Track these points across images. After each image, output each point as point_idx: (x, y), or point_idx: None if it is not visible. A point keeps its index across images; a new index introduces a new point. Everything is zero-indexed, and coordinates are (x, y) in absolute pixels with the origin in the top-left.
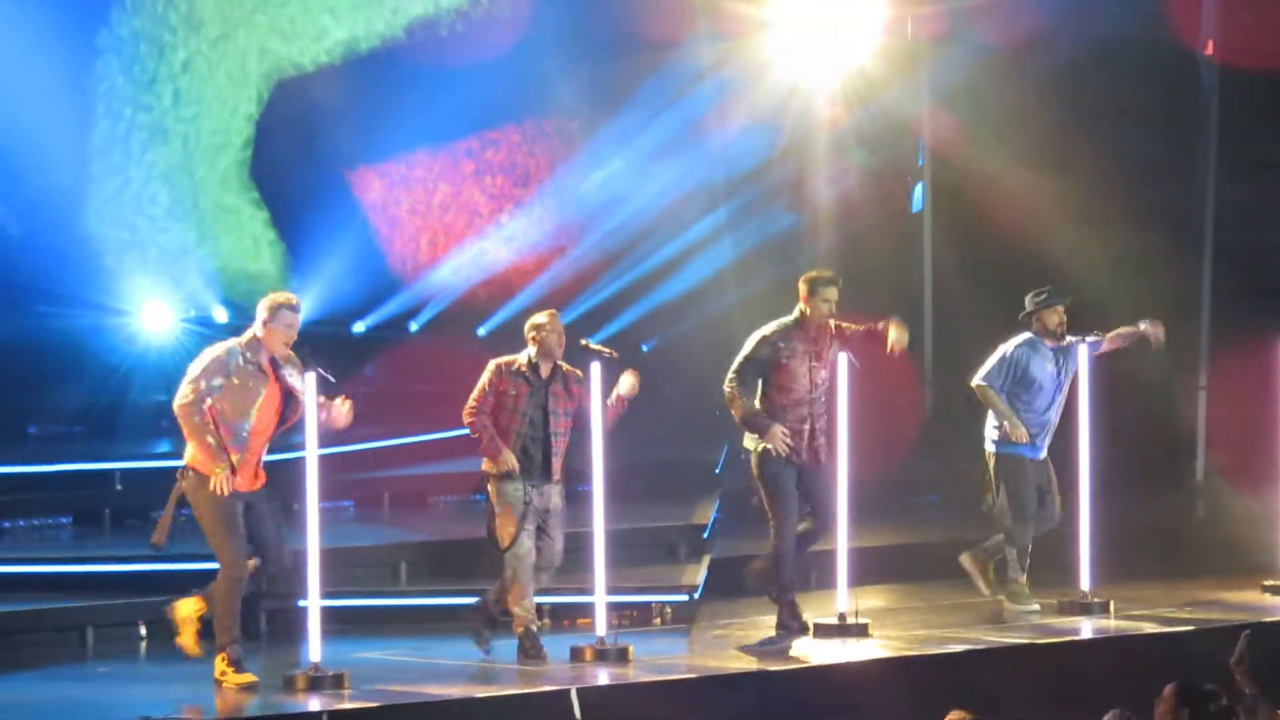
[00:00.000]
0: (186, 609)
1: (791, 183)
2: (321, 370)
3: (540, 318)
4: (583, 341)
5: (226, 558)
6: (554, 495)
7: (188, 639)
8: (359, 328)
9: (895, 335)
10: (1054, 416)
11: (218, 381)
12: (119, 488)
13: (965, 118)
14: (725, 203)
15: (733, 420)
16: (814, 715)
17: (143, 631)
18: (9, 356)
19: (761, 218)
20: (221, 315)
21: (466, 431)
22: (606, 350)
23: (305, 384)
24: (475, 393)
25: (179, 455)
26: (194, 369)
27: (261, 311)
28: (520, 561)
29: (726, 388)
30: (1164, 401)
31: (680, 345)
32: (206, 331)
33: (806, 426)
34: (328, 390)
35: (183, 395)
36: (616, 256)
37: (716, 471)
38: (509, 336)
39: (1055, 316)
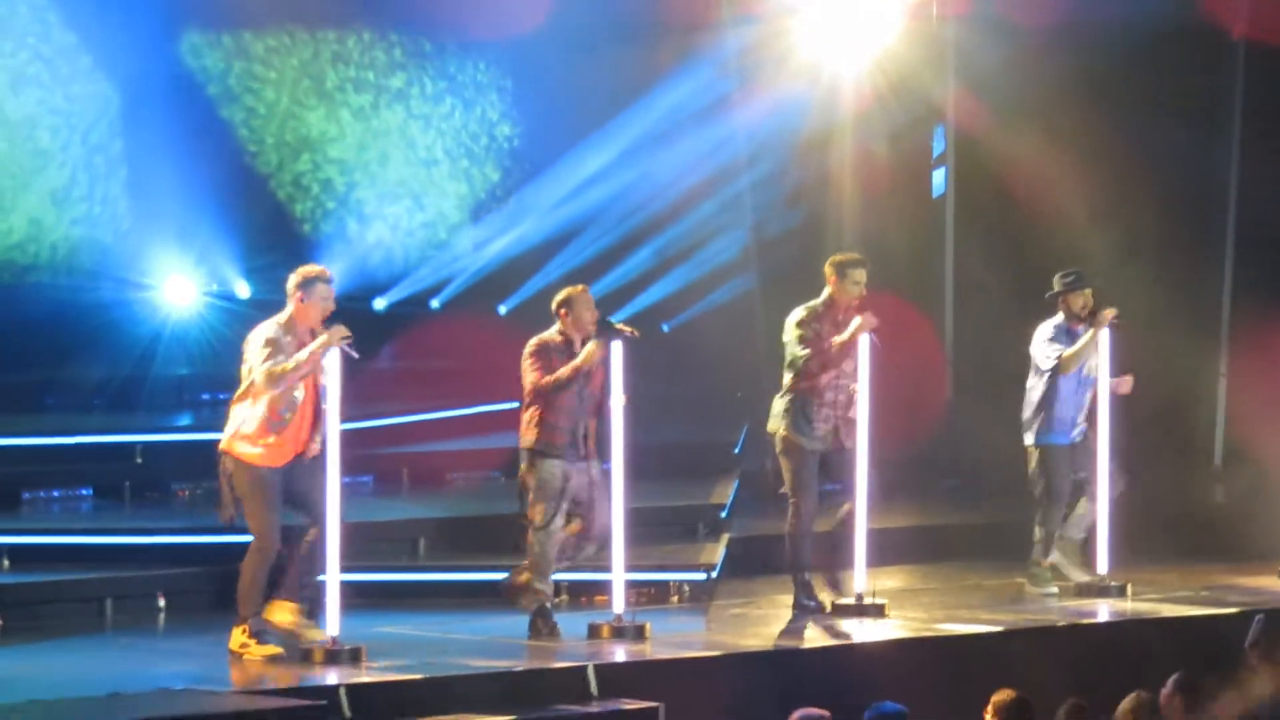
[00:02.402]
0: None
1: (815, 165)
2: (345, 346)
3: (571, 291)
4: (606, 319)
5: (259, 530)
6: (591, 469)
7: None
8: (380, 304)
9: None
10: (1086, 398)
11: (280, 360)
12: (139, 460)
13: (990, 101)
14: (748, 184)
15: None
16: (831, 695)
17: (161, 604)
18: (31, 329)
19: (784, 199)
20: (243, 290)
21: (485, 409)
22: (629, 329)
23: (328, 360)
24: (534, 376)
25: (201, 428)
26: (258, 349)
27: (293, 286)
28: (550, 539)
29: (801, 360)
30: (1184, 387)
31: (701, 326)
32: (229, 305)
33: (833, 411)
34: (352, 368)
35: (263, 377)
36: (638, 237)
37: (735, 451)
38: (529, 314)
39: (1080, 299)
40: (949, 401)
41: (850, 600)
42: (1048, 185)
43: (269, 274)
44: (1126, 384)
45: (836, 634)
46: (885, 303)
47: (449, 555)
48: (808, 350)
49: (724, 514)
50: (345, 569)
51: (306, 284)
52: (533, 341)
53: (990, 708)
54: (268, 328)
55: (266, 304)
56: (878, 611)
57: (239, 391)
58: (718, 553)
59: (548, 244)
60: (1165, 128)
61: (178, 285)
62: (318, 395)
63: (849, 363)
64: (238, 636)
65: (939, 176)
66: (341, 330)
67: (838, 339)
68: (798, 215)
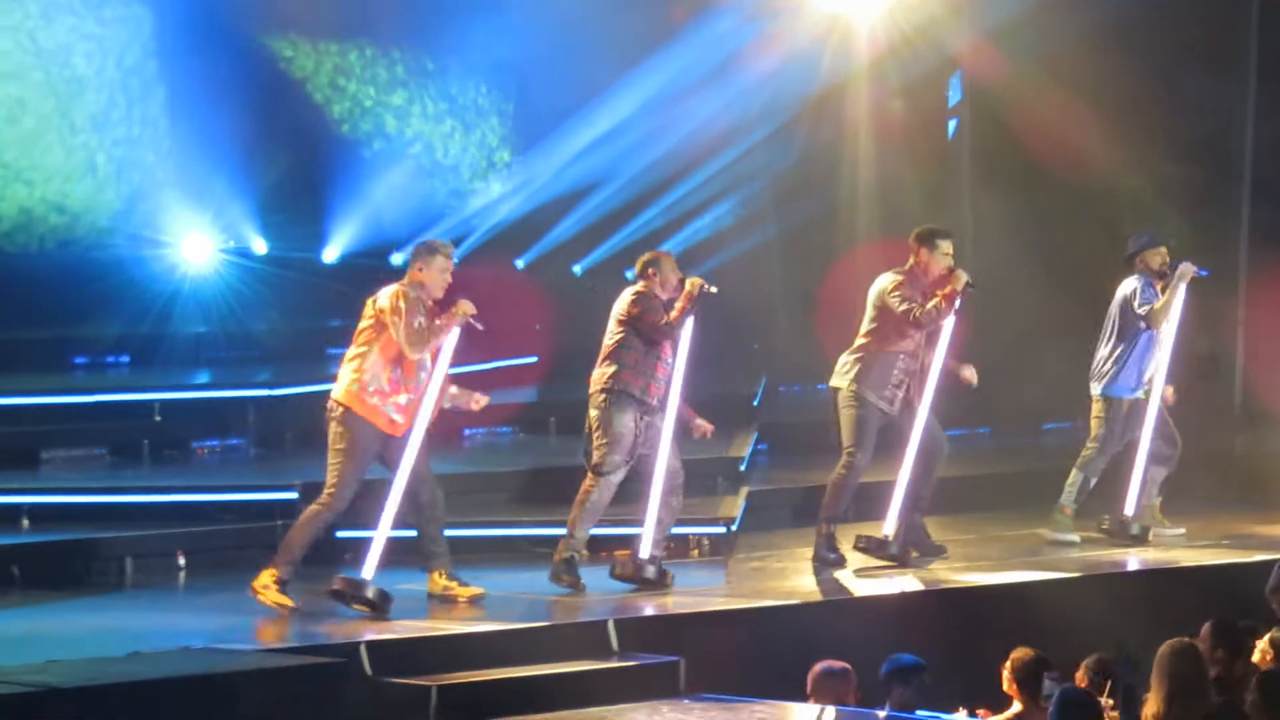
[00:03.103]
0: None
1: (831, 117)
2: (473, 320)
3: (657, 254)
4: (692, 279)
5: (341, 485)
6: (660, 421)
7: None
8: (398, 259)
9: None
10: (1153, 355)
11: (420, 320)
12: (158, 419)
13: (1006, 50)
14: (764, 136)
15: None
16: (850, 647)
17: (181, 562)
18: (49, 287)
19: (800, 152)
20: (260, 246)
21: (502, 364)
22: (711, 287)
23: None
24: (645, 316)
25: (219, 386)
26: (399, 307)
27: (416, 258)
28: (609, 489)
29: (916, 314)
30: (1202, 335)
31: (718, 279)
32: (245, 263)
33: (906, 377)
34: (476, 338)
35: (408, 339)
36: (655, 191)
37: (754, 404)
38: (547, 268)
39: (1159, 257)
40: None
41: (880, 537)
42: (1063, 134)
43: (286, 230)
44: (1170, 394)
45: (856, 587)
46: (899, 250)
47: (466, 512)
48: (909, 306)
49: (743, 467)
50: (363, 526)
51: (425, 254)
52: (636, 287)
53: (1009, 664)
54: (404, 288)
55: (282, 260)
56: (901, 556)
57: (357, 348)
58: (737, 506)
59: (565, 198)
60: (1182, 75)
61: (195, 242)
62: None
63: (922, 332)
64: (264, 577)
65: (953, 126)
66: (470, 305)
67: (938, 295)
68: (814, 167)
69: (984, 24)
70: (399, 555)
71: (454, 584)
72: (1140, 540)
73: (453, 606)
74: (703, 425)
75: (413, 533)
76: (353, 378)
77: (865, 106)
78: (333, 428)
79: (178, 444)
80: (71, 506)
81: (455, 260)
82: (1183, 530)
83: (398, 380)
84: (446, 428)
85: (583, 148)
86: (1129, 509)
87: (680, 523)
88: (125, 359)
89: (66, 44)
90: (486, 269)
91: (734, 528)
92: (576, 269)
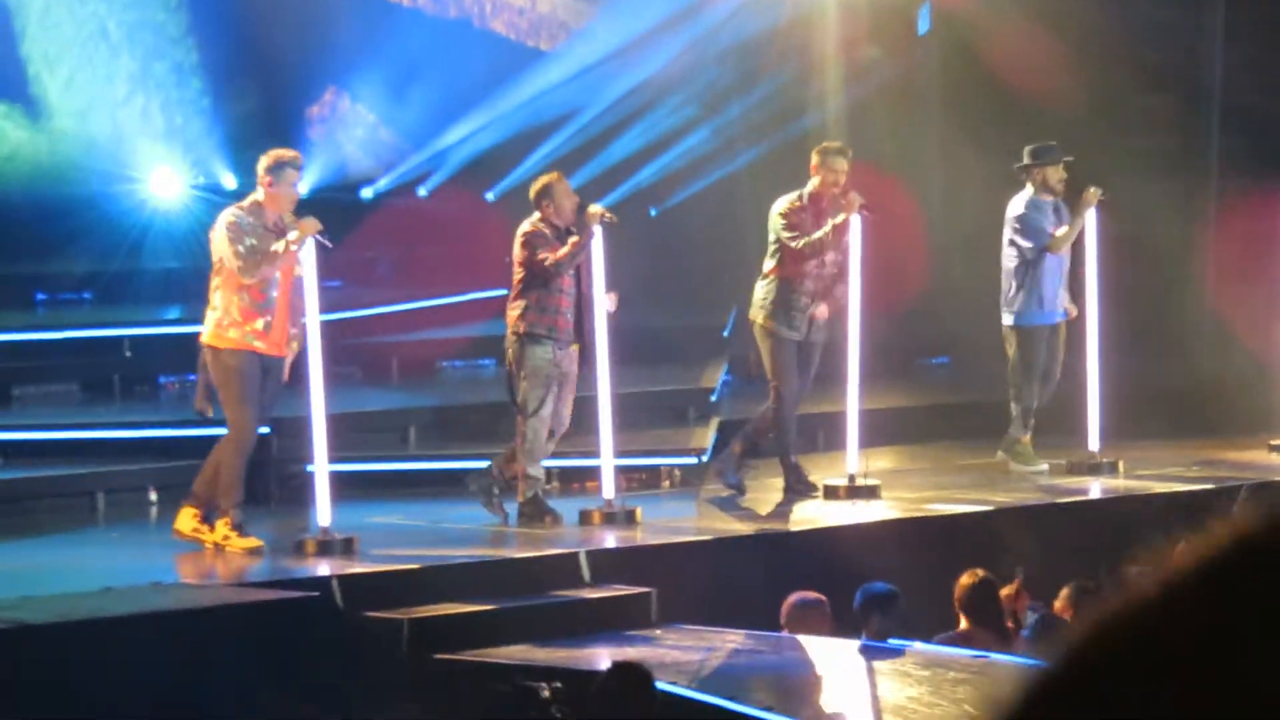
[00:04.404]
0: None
1: (798, 46)
2: (319, 237)
3: (548, 178)
4: (591, 208)
5: (237, 421)
6: (571, 360)
7: None
8: (367, 194)
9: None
10: (1063, 275)
11: (249, 242)
12: (128, 354)
13: None
14: (732, 67)
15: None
16: (823, 577)
17: (153, 497)
18: (16, 222)
19: (767, 82)
20: (230, 181)
21: (474, 296)
22: (610, 215)
23: (303, 249)
24: (542, 255)
25: (189, 321)
26: (223, 237)
27: (263, 171)
28: (542, 425)
29: (796, 246)
30: (1171, 263)
31: (687, 210)
32: (215, 199)
33: (811, 300)
34: (326, 256)
35: (238, 266)
36: (623, 122)
37: (724, 335)
38: (517, 200)
39: (1057, 173)
40: (931, 282)
41: (843, 481)
42: (1034, 63)
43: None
44: (1073, 312)
45: (827, 516)
46: (867, 177)
47: (440, 444)
48: (795, 234)
49: (713, 398)
50: (336, 459)
51: (276, 168)
52: (525, 227)
53: (957, 590)
54: (230, 213)
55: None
56: (871, 493)
57: (214, 282)
58: (708, 437)
59: (534, 131)
60: (1150, 3)
61: (164, 177)
62: (291, 289)
63: (832, 252)
64: (220, 529)
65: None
66: (315, 222)
67: (830, 223)
68: (781, 97)
69: None
70: (364, 488)
71: (204, 528)
72: (1112, 470)
73: (426, 541)
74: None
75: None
76: (210, 317)
77: (833, 36)
78: (212, 370)
79: (148, 379)
80: (43, 443)
81: (425, 194)
82: (1045, 466)
83: (248, 307)
84: (418, 356)
85: (552, 82)
86: (1092, 444)
87: (651, 454)
88: (88, 295)
89: None
90: (456, 202)
91: (705, 458)
92: None
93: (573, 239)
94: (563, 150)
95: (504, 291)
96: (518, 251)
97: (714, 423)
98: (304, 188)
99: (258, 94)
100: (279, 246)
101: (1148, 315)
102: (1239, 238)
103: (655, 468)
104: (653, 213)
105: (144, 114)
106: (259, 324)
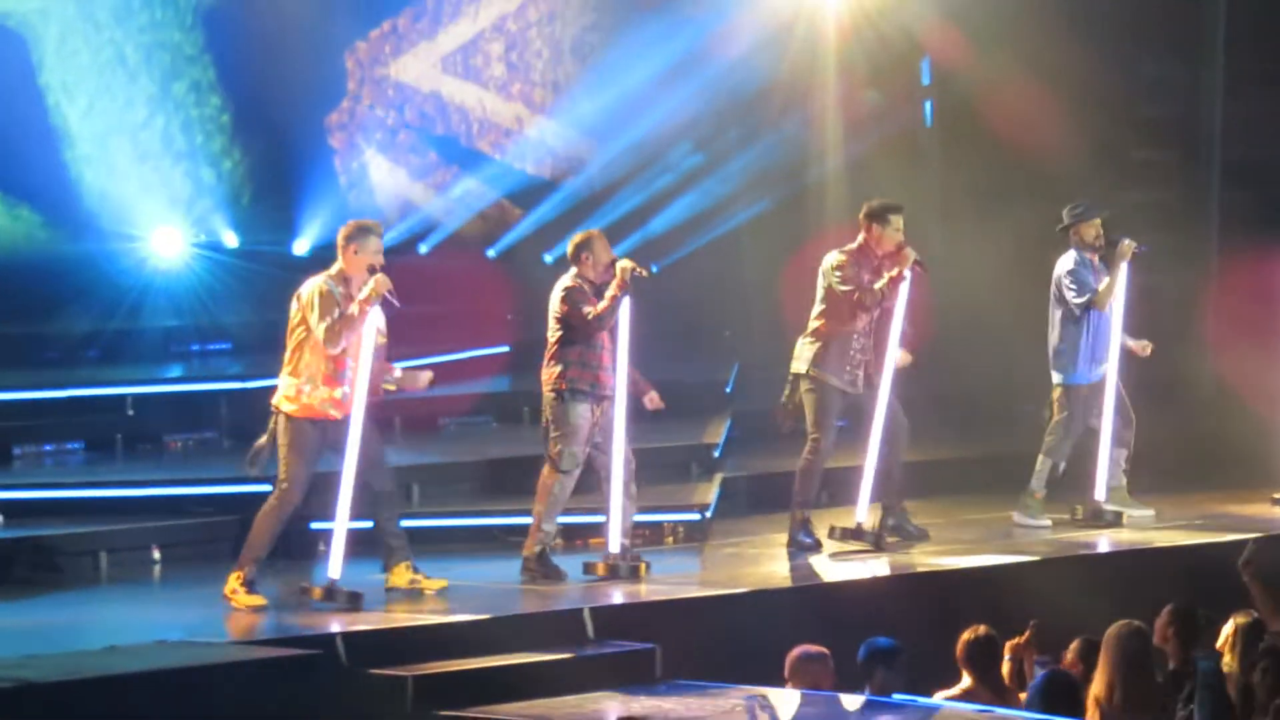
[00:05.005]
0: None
1: (798, 104)
2: (389, 295)
3: (588, 234)
4: (622, 262)
5: (291, 480)
6: (613, 409)
7: None
8: None
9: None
10: (1109, 335)
11: (337, 314)
12: (131, 413)
13: (972, 34)
14: (732, 125)
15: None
16: (827, 631)
17: (156, 555)
18: (20, 281)
19: (768, 139)
20: (231, 240)
21: (476, 353)
22: (643, 270)
23: (370, 311)
24: (584, 309)
25: (190, 380)
26: (313, 305)
27: (344, 239)
28: (571, 481)
29: (856, 297)
30: (1173, 317)
31: (690, 266)
32: (217, 257)
33: (862, 355)
34: (390, 314)
35: (325, 338)
36: (626, 178)
37: (727, 390)
38: (517, 257)
39: (1092, 230)
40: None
41: (852, 527)
42: (1033, 117)
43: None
44: (1147, 349)
45: (831, 572)
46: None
47: (443, 501)
48: (851, 287)
49: (717, 453)
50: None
51: (360, 235)
52: (565, 282)
53: (960, 646)
54: (322, 283)
55: (253, 255)
56: (877, 541)
57: (290, 350)
58: (711, 492)
59: (535, 188)
60: (1150, 57)
61: (165, 236)
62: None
63: (879, 308)
64: (231, 581)
65: (929, 108)
66: (386, 280)
67: (886, 275)
68: (783, 155)
69: (948, 7)
70: (367, 547)
71: (420, 576)
72: (1114, 523)
73: (423, 598)
74: (655, 397)
75: (359, 523)
76: (289, 381)
77: (833, 92)
78: (281, 433)
79: (151, 438)
80: (45, 502)
81: (425, 250)
82: (1152, 511)
83: (331, 374)
84: (420, 414)
85: (553, 138)
86: (1099, 494)
87: (654, 510)
88: (93, 354)
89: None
90: (458, 259)
91: (708, 514)
92: (548, 258)
93: (610, 293)
94: (562, 208)
95: (505, 349)
96: (557, 306)
97: (717, 478)
98: (305, 246)
99: (260, 152)
100: (354, 309)
101: (1149, 368)
102: (1240, 291)
103: (659, 524)
104: (655, 269)
105: (155, 171)
106: (337, 393)
